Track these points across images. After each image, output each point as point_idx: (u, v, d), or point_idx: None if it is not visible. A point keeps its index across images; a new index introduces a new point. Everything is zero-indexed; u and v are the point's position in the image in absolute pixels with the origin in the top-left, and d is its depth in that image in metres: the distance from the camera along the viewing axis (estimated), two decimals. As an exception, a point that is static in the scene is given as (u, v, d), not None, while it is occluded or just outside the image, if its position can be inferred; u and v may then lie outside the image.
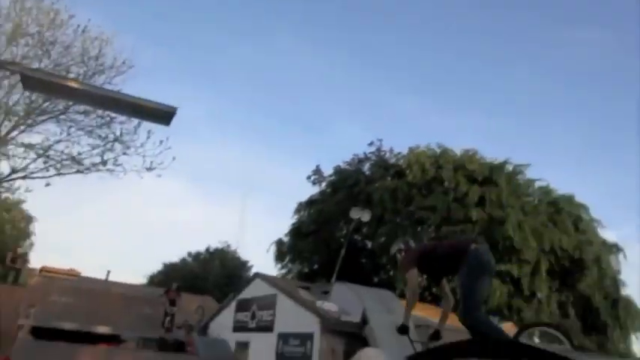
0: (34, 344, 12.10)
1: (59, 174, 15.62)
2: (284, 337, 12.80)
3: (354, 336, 11.88)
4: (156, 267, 40.01)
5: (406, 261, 5.10)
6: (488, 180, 20.06)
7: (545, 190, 21.75)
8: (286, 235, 23.60)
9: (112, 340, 14.50)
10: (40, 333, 13.53)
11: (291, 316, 12.83)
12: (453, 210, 18.93)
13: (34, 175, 15.61)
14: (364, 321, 11.79)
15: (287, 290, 13.47)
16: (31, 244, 40.00)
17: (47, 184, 15.60)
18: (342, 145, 70.65)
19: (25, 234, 39.42)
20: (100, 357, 12.42)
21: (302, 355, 11.97)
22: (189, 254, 39.45)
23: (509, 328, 16.68)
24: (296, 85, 60.03)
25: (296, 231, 22.67)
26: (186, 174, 72.66)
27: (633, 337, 21.09)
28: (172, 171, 19.57)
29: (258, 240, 73.35)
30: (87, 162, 15.89)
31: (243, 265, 38.44)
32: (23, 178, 15.75)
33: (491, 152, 29.07)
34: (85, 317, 15.63)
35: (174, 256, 40.82)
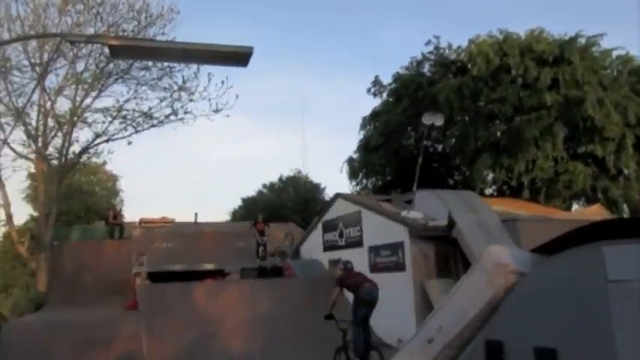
0: (153, 287, 13.47)
1: (137, 131, 16.47)
2: (374, 250, 13.34)
3: (443, 239, 12.21)
4: (235, 203, 42.08)
5: (336, 280, 9.66)
6: (560, 59, 18.69)
7: (625, 60, 19.99)
8: (355, 151, 23.73)
9: (217, 274, 15.79)
10: (154, 277, 14.96)
11: (378, 229, 13.26)
12: (525, 98, 17.99)
13: (115, 137, 16.57)
14: (451, 223, 12.01)
15: (370, 205, 13.83)
16: (121, 200, 43.20)
17: (129, 143, 16.58)
18: (398, 52, 67.99)
19: (114, 192, 42.53)
20: (212, 290, 13.66)
21: (395, 263, 12.51)
22: (264, 186, 40.91)
23: (595, 210, 16.35)
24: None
25: (365, 146, 22.61)
26: (246, 108, 73.86)
27: None
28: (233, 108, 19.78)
29: (326, 161, 74.54)
30: (158, 115, 16.54)
31: (316, 188, 39.47)
32: (106, 141, 16.79)
33: (559, 28, 26.75)
34: (188, 258, 16.98)
35: (251, 190, 42.57)
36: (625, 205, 19.69)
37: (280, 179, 40.64)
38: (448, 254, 12.57)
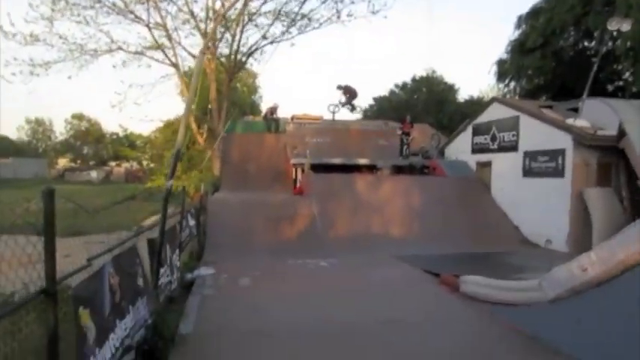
0: (321, 176, 15.22)
1: (300, 33, 17.52)
2: (531, 155, 13.57)
3: (610, 149, 12.07)
4: (367, 102, 42.98)
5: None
6: None
7: None
8: (507, 52, 22.64)
9: (370, 168, 17.20)
10: (314, 168, 16.72)
11: (537, 135, 13.35)
12: None
13: (279, 39, 17.85)
14: (621, 133, 11.75)
15: (531, 111, 13.80)
16: (260, 97, 46.36)
17: (292, 45, 17.79)
18: None
19: (253, 89, 45.60)
20: (371, 182, 15.15)
21: (553, 170, 12.73)
22: (396, 86, 41.10)
23: None
24: None
25: (519, 47, 21.42)
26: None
27: None
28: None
29: (457, 61, 71.08)
30: (318, 16, 17.33)
31: (450, 89, 38.69)
32: (271, 43, 18.17)
33: None
34: (336, 152, 18.41)
35: (383, 90, 42.96)
36: None
37: (413, 79, 40.33)
38: (610, 164, 12.46)
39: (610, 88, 21.45)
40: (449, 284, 8.19)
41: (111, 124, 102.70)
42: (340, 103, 21.14)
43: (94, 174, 52.93)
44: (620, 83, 21.46)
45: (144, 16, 18.31)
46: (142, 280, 4.95)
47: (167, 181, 5.35)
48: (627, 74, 20.63)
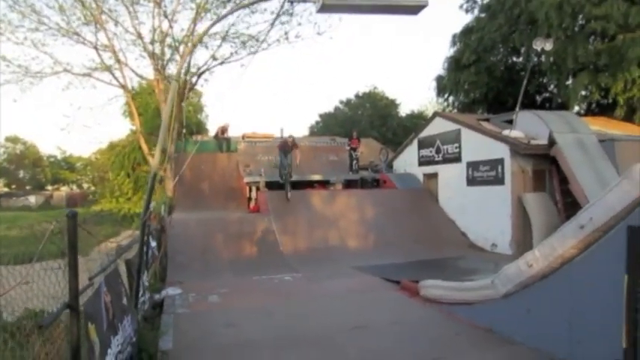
0: (277, 193, 15.53)
1: (250, 54, 17.89)
2: (473, 165, 14.58)
3: (542, 156, 13.23)
4: (313, 118, 43.85)
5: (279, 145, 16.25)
6: (673, -30, 17.72)
7: None
8: (444, 68, 24.10)
9: (323, 184, 17.70)
10: (268, 185, 17.00)
11: (478, 147, 14.39)
12: (633, 14, 17.42)
13: (230, 60, 18.11)
14: (551, 142, 12.94)
15: (471, 125, 14.85)
16: (207, 116, 46.01)
17: (242, 65, 18.10)
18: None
19: (199, 107, 45.24)
20: (325, 197, 15.64)
21: (494, 177, 13.76)
22: (341, 102, 42.24)
23: None
24: None
25: (455, 64, 22.91)
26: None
27: None
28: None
29: (401, 78, 73.75)
30: (266, 38, 17.80)
31: (392, 104, 40.23)
32: (221, 64, 18.40)
33: None
34: (292, 169, 18.78)
35: (328, 106, 43.95)
36: None
37: (357, 95, 41.61)
38: (544, 170, 13.64)
39: (538, 99, 23.32)
40: (409, 289, 8.74)
41: (48, 146, 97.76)
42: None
43: (32, 199, 50.23)
44: (547, 95, 23.40)
45: (90, 38, 18.09)
46: (125, 300, 5.12)
47: (144, 204, 5.54)
48: (552, 87, 22.57)
